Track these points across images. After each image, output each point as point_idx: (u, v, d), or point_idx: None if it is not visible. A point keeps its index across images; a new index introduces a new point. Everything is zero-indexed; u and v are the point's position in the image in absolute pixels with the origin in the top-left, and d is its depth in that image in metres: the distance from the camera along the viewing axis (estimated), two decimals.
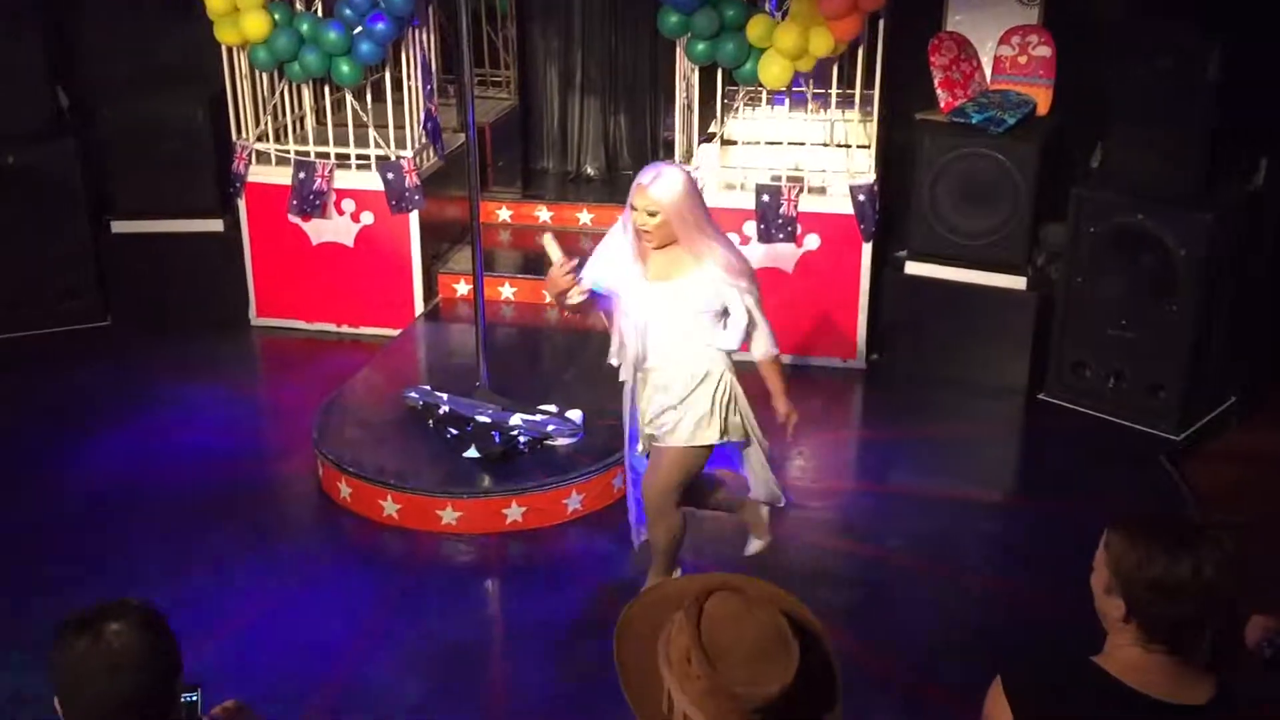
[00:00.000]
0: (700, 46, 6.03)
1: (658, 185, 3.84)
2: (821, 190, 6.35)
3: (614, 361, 4.23)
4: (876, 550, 4.98)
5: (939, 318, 6.26)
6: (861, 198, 6.19)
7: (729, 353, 4.07)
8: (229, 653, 4.06)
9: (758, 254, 6.38)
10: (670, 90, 7.01)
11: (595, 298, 4.09)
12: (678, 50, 6.30)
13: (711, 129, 6.71)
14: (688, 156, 6.46)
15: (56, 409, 5.97)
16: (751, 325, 4.02)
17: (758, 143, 6.44)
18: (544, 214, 7.81)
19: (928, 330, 6.31)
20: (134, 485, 5.32)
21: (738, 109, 6.72)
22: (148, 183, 6.82)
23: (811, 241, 6.34)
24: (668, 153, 7.11)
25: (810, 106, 6.41)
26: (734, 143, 6.57)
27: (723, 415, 4.05)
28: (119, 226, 6.88)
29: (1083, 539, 2.35)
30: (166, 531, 4.95)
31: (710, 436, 4.06)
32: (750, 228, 6.34)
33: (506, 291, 7.01)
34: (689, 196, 3.89)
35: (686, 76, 6.35)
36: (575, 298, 4.02)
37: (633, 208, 3.91)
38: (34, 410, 5.99)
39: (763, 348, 4.11)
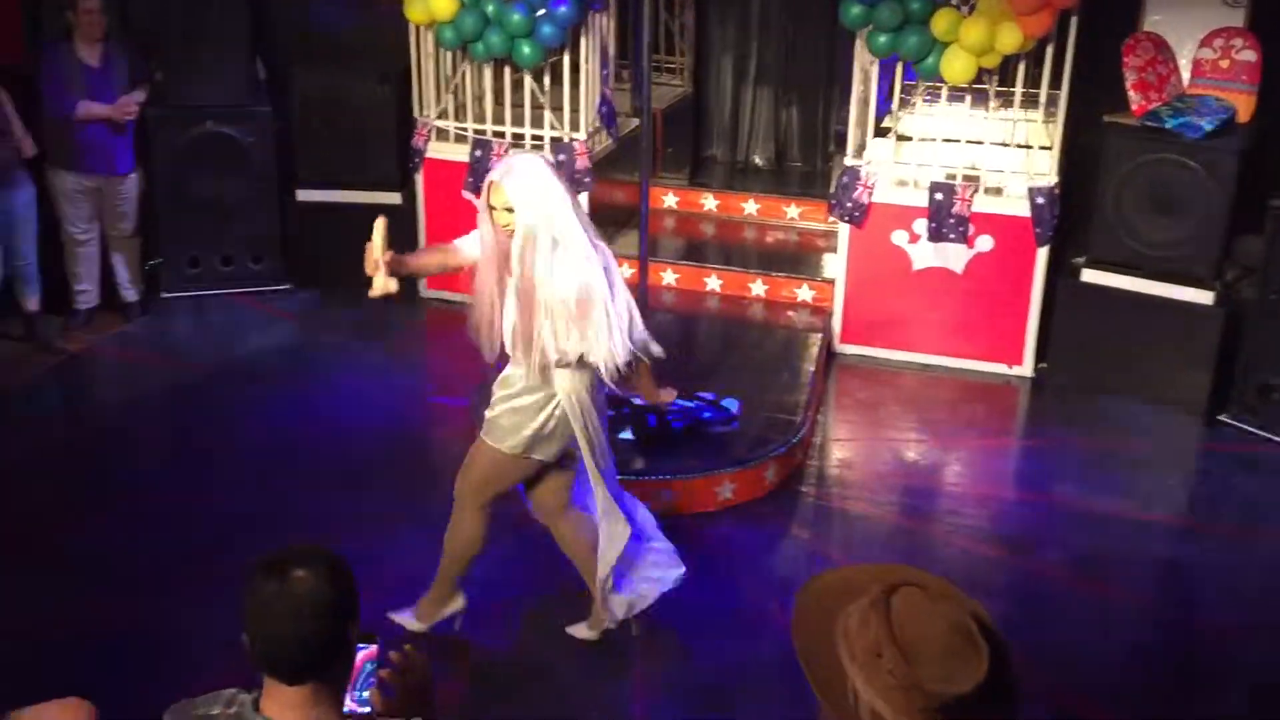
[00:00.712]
0: (882, 39, 5.93)
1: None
2: (997, 191, 6.19)
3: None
4: (1032, 562, 4.84)
5: (1115, 328, 6.02)
6: (1040, 200, 6.00)
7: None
8: (384, 611, 4.20)
9: (926, 252, 6.27)
10: (846, 83, 6.91)
11: None
12: (858, 42, 6.21)
13: (886, 123, 6.60)
14: (860, 150, 6.37)
15: (237, 367, 6.29)
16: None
17: (934, 139, 6.30)
18: (710, 202, 7.83)
19: (1102, 340, 6.08)
20: (307, 441, 5.57)
21: (915, 104, 6.59)
22: (332, 154, 7.11)
23: (984, 243, 6.18)
24: (840, 146, 7.03)
25: (992, 104, 6.24)
26: (909, 138, 6.45)
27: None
28: (303, 195, 7.18)
29: (1251, 568, 2.24)
30: (335, 488, 5.15)
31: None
32: (920, 225, 6.22)
33: (669, 277, 7.05)
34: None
35: (865, 69, 6.25)
36: (378, 289, 3.74)
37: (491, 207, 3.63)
38: (217, 367, 6.32)
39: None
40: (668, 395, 4.15)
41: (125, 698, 2.46)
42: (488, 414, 3.90)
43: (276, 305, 7.09)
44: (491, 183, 3.61)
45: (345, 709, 2.05)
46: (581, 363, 3.72)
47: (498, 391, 3.88)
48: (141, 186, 6.75)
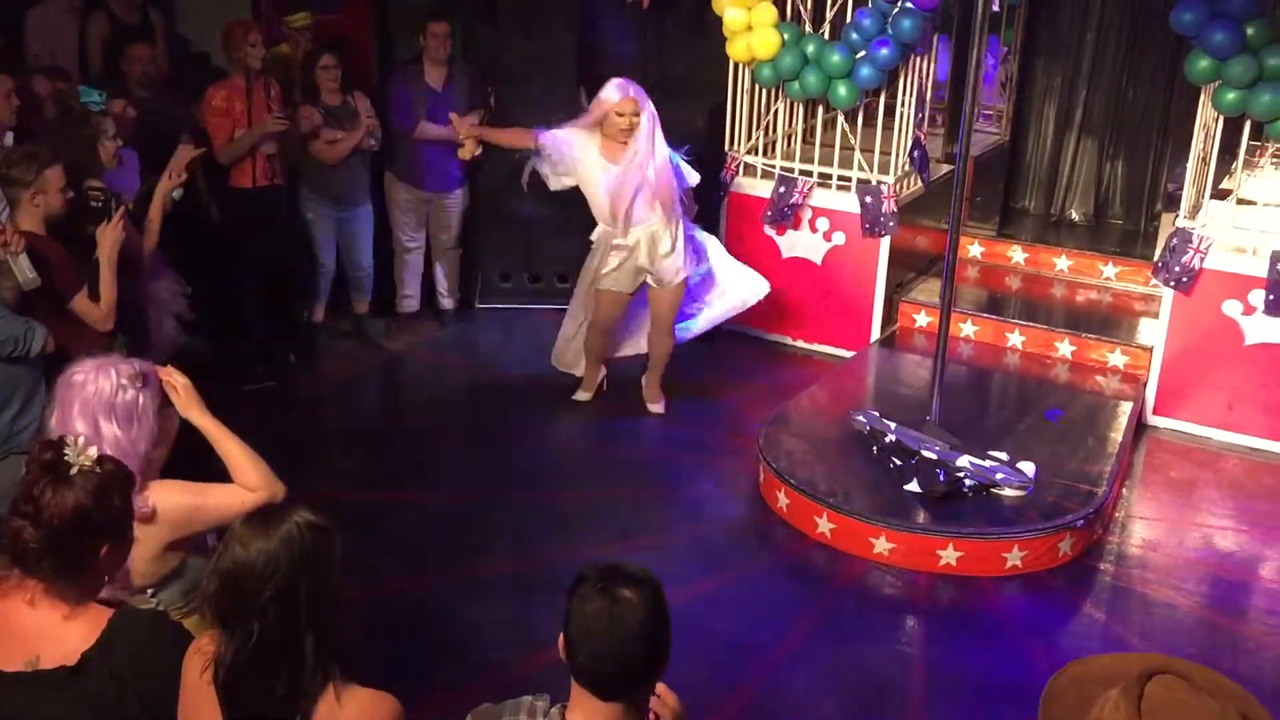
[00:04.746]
0: (1230, 95, 5.51)
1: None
2: None
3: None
4: None
5: None
6: None
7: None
8: None
9: (1263, 326, 5.76)
10: (1181, 139, 6.48)
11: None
12: (1202, 97, 5.80)
13: (1226, 185, 6.12)
14: (1194, 212, 5.94)
15: (537, 378, 6.56)
16: None
17: None
18: (1018, 254, 7.54)
19: None
20: (595, 455, 5.78)
21: (1262, 165, 6.09)
22: None
23: None
24: (1169, 206, 6.59)
25: None
26: (1251, 203, 5.95)
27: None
28: None
29: None
30: (619, 503, 5.30)
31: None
32: (1257, 297, 5.72)
33: (968, 329, 6.81)
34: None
35: (1208, 126, 5.83)
36: (466, 154, 6.05)
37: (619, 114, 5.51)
38: (518, 377, 6.63)
39: None
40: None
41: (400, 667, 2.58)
42: (676, 266, 5.76)
43: None
44: (628, 97, 5.51)
45: None
46: None
47: (661, 249, 5.69)
48: (466, 203, 7.21)
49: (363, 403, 6.58)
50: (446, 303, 7.37)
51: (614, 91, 5.57)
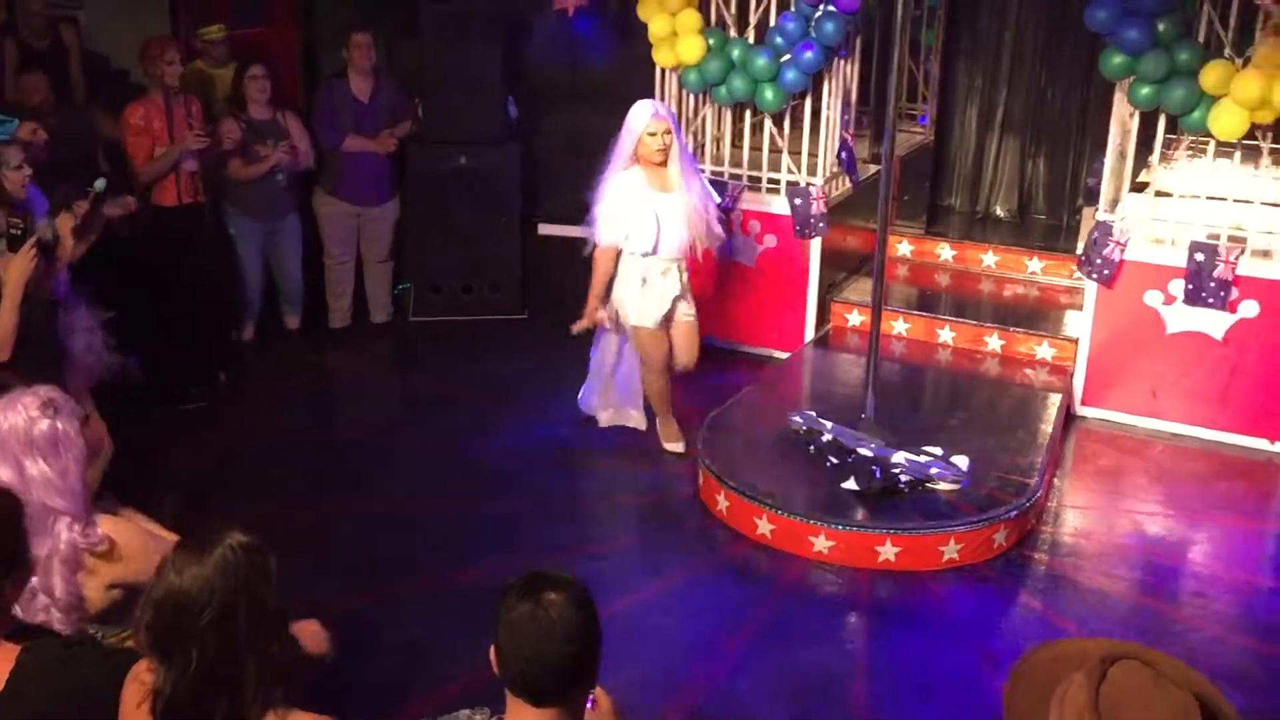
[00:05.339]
0: (1145, 90, 5.65)
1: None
2: (1265, 254, 5.78)
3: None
4: None
5: None
6: None
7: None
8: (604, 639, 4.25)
9: (1183, 316, 5.91)
10: (1099, 135, 6.62)
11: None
12: (1117, 93, 5.94)
13: (1143, 178, 6.28)
14: (1113, 206, 6.08)
15: (475, 389, 6.54)
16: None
17: (1197, 197, 5.95)
18: (946, 252, 7.65)
19: None
20: (535, 465, 5.73)
21: (1176, 159, 6.25)
22: (572, 190, 7.30)
23: (1248, 309, 5.78)
24: (1090, 200, 6.74)
25: (1264, 161, 5.84)
26: (1168, 195, 6.11)
27: None
28: (544, 229, 7.44)
29: None
30: (560, 512, 5.30)
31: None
32: (1177, 287, 5.87)
33: (900, 327, 6.90)
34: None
35: (1124, 121, 5.97)
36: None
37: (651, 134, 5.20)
38: (455, 388, 6.59)
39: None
40: None
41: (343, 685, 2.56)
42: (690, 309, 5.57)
43: (511, 332, 7.35)
44: (657, 117, 5.23)
45: None
46: None
47: (680, 289, 5.48)
48: (396, 215, 7.16)
49: (297, 419, 6.49)
50: (379, 316, 7.30)
51: (642, 113, 5.27)
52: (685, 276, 5.55)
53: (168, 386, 6.14)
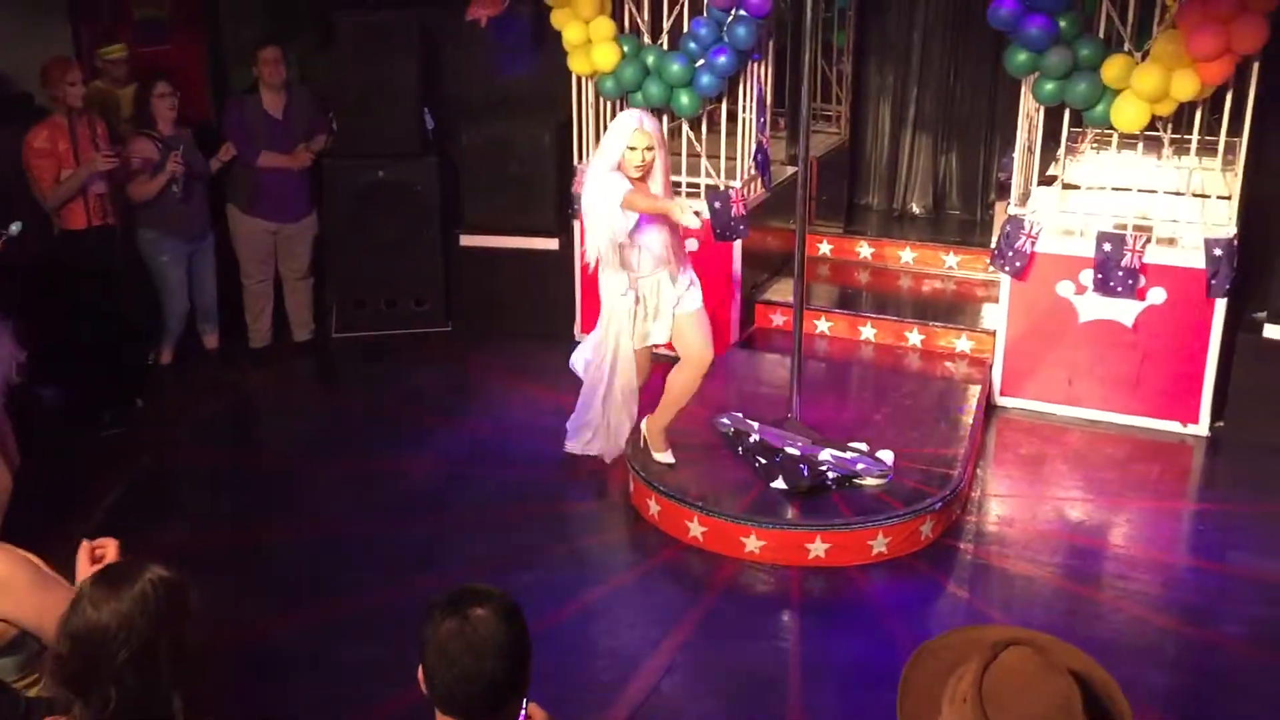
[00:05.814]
0: (1049, 86, 5.79)
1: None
2: (1170, 241, 5.95)
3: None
4: (1210, 634, 4.58)
5: None
6: (1218, 252, 5.74)
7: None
8: (537, 648, 4.24)
9: (1094, 304, 6.06)
10: (1008, 130, 6.77)
11: None
12: (1023, 89, 6.08)
13: (1052, 171, 6.43)
14: (1024, 200, 6.22)
15: (400, 405, 6.49)
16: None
17: (1103, 188, 6.11)
18: (865, 250, 7.76)
19: None
20: (464, 479, 5.70)
21: (1083, 152, 6.41)
22: (495, 201, 7.31)
23: (1155, 295, 5.94)
24: (1001, 195, 6.88)
25: (1166, 152, 6.02)
26: (1076, 187, 6.26)
27: None
28: (466, 240, 7.40)
29: None
30: (491, 525, 5.26)
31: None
32: (1087, 276, 6.02)
33: (823, 325, 6.99)
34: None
35: (1030, 117, 6.11)
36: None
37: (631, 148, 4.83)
38: (381, 405, 6.53)
39: None
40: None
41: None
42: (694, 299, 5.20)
43: (436, 345, 7.30)
44: (640, 129, 4.82)
45: None
46: None
47: (679, 291, 5.14)
48: (315, 230, 7.07)
49: (219, 442, 6.37)
50: (301, 334, 7.21)
51: (625, 124, 4.89)
52: (679, 268, 5.13)
53: (85, 413, 6.00)
